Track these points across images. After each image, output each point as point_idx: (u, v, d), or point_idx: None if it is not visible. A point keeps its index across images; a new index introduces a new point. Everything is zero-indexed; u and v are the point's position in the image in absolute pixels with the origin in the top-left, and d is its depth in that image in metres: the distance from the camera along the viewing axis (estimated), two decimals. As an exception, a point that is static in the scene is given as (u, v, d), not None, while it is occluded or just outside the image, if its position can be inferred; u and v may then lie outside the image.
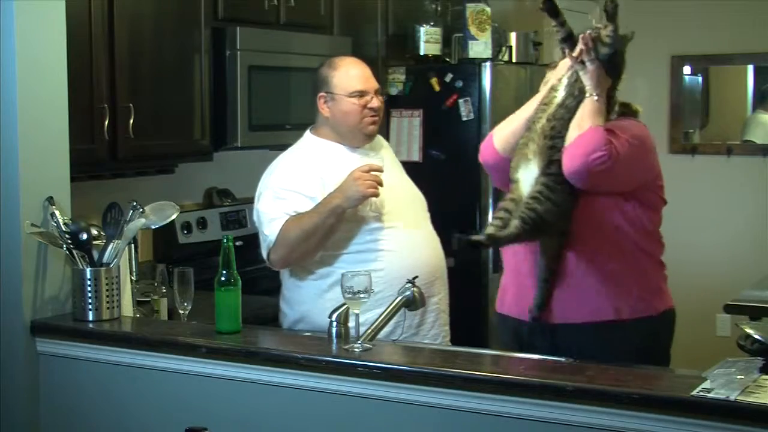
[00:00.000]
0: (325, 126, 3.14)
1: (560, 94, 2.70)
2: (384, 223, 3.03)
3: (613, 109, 2.74)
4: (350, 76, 3.09)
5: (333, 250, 3.02)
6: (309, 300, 3.06)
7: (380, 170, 2.96)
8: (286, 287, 3.16)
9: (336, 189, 2.94)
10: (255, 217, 3.12)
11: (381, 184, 2.93)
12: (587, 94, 2.64)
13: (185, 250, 3.96)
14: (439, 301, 3.10)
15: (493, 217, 2.73)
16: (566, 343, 2.69)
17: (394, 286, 2.86)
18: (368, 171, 2.92)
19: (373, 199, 2.96)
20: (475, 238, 2.71)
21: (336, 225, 2.94)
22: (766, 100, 5.89)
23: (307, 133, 3.19)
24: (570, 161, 2.59)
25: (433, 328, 3.08)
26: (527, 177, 2.69)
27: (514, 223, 2.61)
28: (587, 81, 2.64)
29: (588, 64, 2.63)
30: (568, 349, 2.63)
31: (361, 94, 3.07)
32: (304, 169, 3.06)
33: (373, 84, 3.12)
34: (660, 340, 2.79)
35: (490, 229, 2.66)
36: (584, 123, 2.60)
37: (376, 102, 3.10)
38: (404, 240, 3.03)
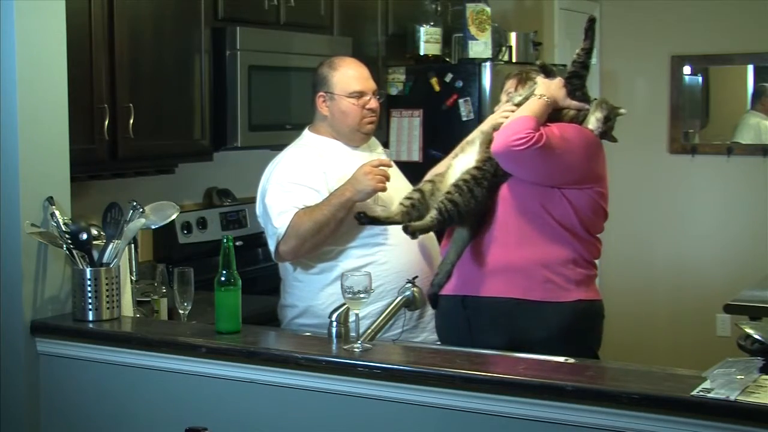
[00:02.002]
0: (324, 124, 3.18)
1: (514, 102, 2.90)
2: None
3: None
4: (350, 77, 3.13)
5: (337, 244, 3.05)
6: (312, 294, 3.09)
7: (389, 165, 3.02)
8: (288, 283, 3.18)
9: (346, 182, 2.98)
10: (260, 211, 3.13)
11: (389, 179, 2.97)
12: (534, 95, 2.83)
13: (185, 250, 3.96)
14: None
15: (406, 197, 2.90)
16: (478, 320, 2.84)
17: (396, 280, 2.93)
18: (377, 166, 2.97)
19: (380, 193, 3.00)
20: (385, 215, 2.88)
21: (345, 218, 2.98)
22: (759, 100, 5.90)
23: (306, 131, 3.23)
24: (494, 141, 2.77)
25: (433, 321, 3.11)
26: (460, 164, 2.87)
27: (432, 214, 2.80)
28: (540, 85, 2.86)
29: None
30: (481, 325, 2.82)
31: (360, 94, 3.12)
32: (308, 164, 3.10)
33: (371, 85, 3.17)
34: (575, 327, 2.83)
35: (398, 216, 2.85)
36: (520, 113, 2.79)
37: (374, 103, 3.15)
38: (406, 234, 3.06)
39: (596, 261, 2.92)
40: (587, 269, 2.87)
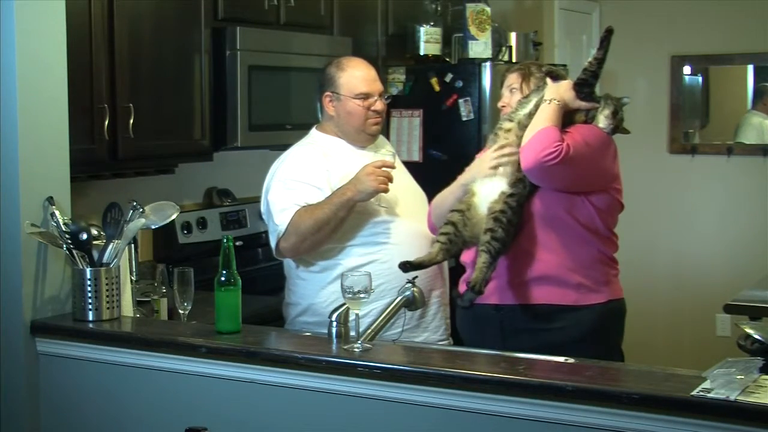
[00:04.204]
0: (330, 123, 3.20)
1: (517, 118, 2.85)
2: (390, 216, 3.09)
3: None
4: (356, 78, 3.14)
5: (339, 242, 3.06)
6: (314, 292, 3.10)
7: (392, 166, 3.02)
8: (292, 281, 3.20)
9: (348, 182, 2.98)
10: (263, 208, 3.16)
11: (391, 180, 2.98)
12: (544, 100, 2.80)
13: (185, 250, 3.96)
14: (440, 294, 3.16)
15: (439, 233, 2.85)
16: (512, 324, 2.84)
17: (398, 279, 2.91)
18: (380, 167, 2.97)
19: (383, 194, 3.00)
20: (428, 259, 2.84)
21: (346, 217, 2.99)
22: (760, 100, 5.89)
23: (314, 130, 3.26)
24: (524, 158, 2.73)
25: (435, 321, 3.14)
26: (485, 189, 2.82)
27: (483, 259, 2.73)
28: (549, 88, 2.82)
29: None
30: (515, 329, 2.82)
31: (366, 96, 3.13)
32: (312, 162, 3.11)
33: (378, 87, 3.18)
34: (605, 326, 2.88)
35: (439, 255, 2.81)
36: (538, 124, 2.74)
37: (379, 105, 3.16)
38: (408, 233, 3.08)
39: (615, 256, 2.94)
40: (612, 267, 2.90)
